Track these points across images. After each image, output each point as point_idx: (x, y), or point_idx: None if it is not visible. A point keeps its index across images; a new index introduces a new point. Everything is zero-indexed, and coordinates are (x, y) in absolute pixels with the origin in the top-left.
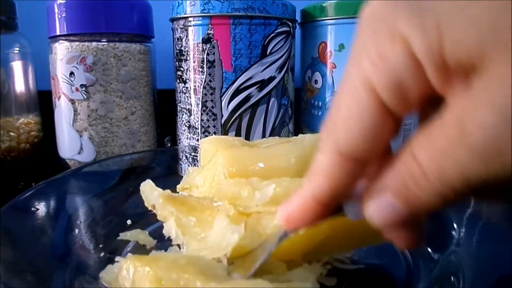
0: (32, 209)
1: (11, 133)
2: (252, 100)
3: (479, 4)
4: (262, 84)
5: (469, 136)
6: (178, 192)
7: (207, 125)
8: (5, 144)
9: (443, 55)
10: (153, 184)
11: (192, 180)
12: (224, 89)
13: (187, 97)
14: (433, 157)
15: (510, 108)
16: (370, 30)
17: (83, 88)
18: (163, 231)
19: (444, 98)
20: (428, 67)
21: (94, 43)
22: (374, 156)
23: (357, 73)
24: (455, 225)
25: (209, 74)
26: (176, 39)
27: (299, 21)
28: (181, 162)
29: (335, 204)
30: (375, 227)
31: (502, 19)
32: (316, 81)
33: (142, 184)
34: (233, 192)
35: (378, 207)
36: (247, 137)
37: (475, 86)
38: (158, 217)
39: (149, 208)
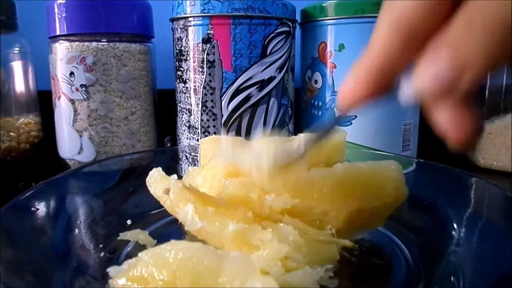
0: (32, 209)
1: (11, 133)
2: (252, 100)
3: None
4: (262, 84)
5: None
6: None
7: (207, 125)
8: (5, 144)
9: None
10: (163, 172)
11: (192, 180)
12: (224, 89)
13: (187, 97)
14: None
15: None
16: None
17: (83, 88)
18: (179, 216)
19: None
20: None
21: (94, 43)
22: (429, 30)
23: None
24: (455, 225)
25: (209, 74)
26: (176, 39)
27: (299, 21)
28: (181, 162)
29: (388, 80)
30: (424, 99)
31: None
32: (316, 81)
33: (151, 172)
34: (243, 196)
35: (429, 69)
36: (247, 137)
37: None
38: (169, 205)
39: (155, 196)
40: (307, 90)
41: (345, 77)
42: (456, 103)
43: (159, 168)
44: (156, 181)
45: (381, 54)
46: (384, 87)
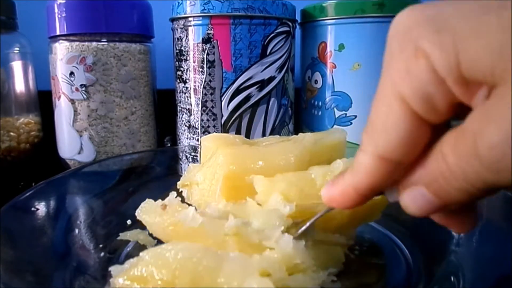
0: (32, 209)
1: (11, 133)
2: (252, 100)
3: (490, 25)
4: (262, 84)
5: (480, 153)
6: (179, 189)
7: (207, 125)
8: (5, 144)
9: (461, 71)
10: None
11: (193, 177)
12: (224, 89)
13: (187, 97)
14: (457, 160)
15: None
16: (397, 44)
17: (83, 88)
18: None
19: (470, 106)
20: (449, 81)
21: (94, 43)
22: (412, 158)
23: (389, 85)
24: None
25: (209, 74)
26: (176, 39)
27: (299, 21)
28: (181, 162)
29: (373, 195)
30: (412, 215)
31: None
32: (316, 81)
33: (142, 204)
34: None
35: (413, 198)
36: (247, 137)
37: (489, 102)
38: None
39: (145, 223)
40: (307, 90)
41: (333, 180)
42: (447, 212)
43: (151, 200)
44: (148, 210)
45: (368, 177)
46: (369, 198)
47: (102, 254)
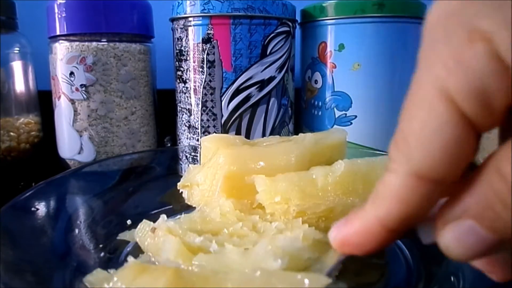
0: (32, 209)
1: (11, 133)
2: (252, 100)
3: None
4: (262, 84)
5: None
6: (179, 190)
7: (207, 125)
8: (5, 144)
9: None
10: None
11: (193, 178)
12: (224, 89)
13: (187, 97)
14: None
15: None
16: (440, 31)
17: (83, 88)
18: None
19: None
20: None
21: (94, 43)
22: (455, 177)
23: (429, 82)
24: None
25: (209, 74)
26: (176, 39)
27: (299, 21)
28: (181, 162)
29: (404, 230)
30: (456, 259)
31: None
32: (316, 81)
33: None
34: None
35: (458, 235)
36: (247, 137)
37: None
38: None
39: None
40: (307, 90)
41: (346, 218)
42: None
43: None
44: (140, 231)
45: (400, 204)
46: (398, 236)
47: (102, 254)
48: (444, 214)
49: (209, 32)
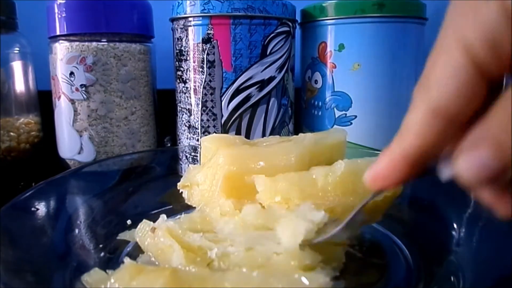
0: (32, 209)
1: (11, 133)
2: (252, 100)
3: None
4: (262, 84)
5: None
6: (179, 190)
7: (207, 125)
8: (5, 144)
9: None
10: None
11: (193, 178)
12: (224, 89)
13: (187, 97)
14: None
15: None
16: None
17: (83, 88)
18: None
19: None
20: None
21: (94, 43)
22: (466, 117)
23: (452, 33)
24: (455, 225)
25: (209, 74)
26: (176, 39)
27: (299, 21)
28: (181, 162)
29: (424, 164)
30: (467, 185)
31: None
32: (316, 81)
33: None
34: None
35: (470, 161)
36: (247, 137)
37: None
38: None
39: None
40: (307, 90)
41: (378, 159)
42: (502, 186)
43: (146, 221)
44: (141, 231)
45: (419, 138)
46: (420, 170)
47: (102, 254)
48: (459, 146)
49: (209, 32)
